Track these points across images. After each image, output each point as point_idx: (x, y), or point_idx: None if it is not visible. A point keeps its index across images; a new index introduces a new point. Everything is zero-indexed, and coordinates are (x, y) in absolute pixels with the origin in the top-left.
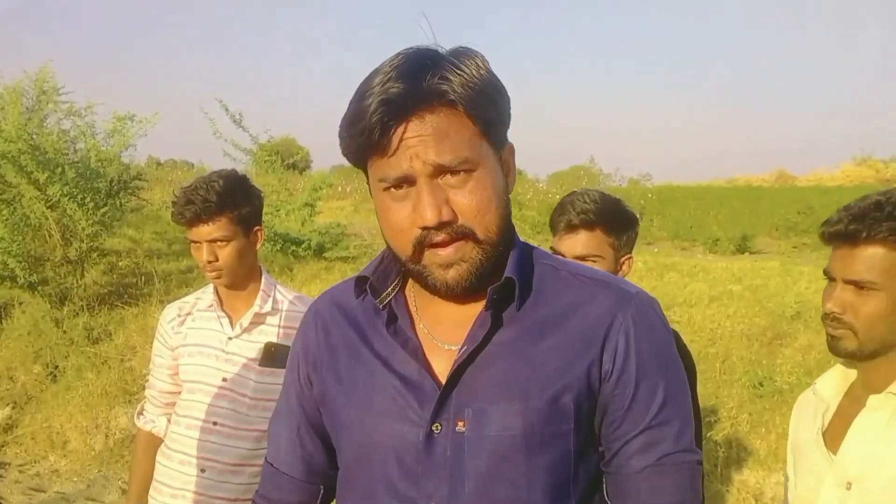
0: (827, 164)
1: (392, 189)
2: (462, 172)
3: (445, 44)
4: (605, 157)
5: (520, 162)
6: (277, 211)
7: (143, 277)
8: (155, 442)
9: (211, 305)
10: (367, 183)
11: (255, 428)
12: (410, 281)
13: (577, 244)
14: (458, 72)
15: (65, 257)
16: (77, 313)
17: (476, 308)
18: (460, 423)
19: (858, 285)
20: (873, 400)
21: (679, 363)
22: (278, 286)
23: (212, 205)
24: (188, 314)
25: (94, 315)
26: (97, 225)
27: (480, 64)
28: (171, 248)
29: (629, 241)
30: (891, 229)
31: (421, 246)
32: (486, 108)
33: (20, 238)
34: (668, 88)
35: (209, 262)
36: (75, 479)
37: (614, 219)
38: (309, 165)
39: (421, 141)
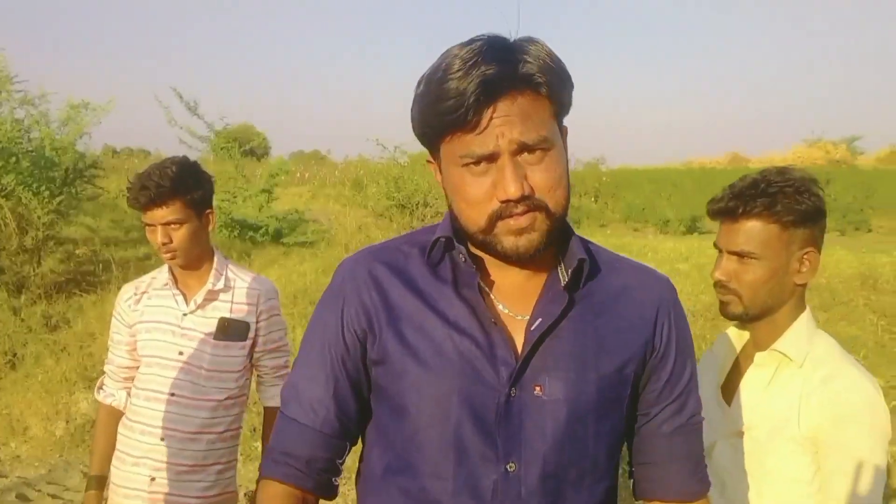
0: (779, 146)
1: (472, 165)
2: (539, 151)
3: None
4: None
5: None
6: (234, 197)
7: (100, 265)
8: (116, 414)
9: (166, 284)
10: (432, 159)
11: (212, 398)
12: (470, 251)
13: None
14: (539, 57)
15: (21, 246)
16: (34, 301)
17: (535, 280)
18: (537, 388)
19: (740, 256)
20: (759, 357)
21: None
22: (230, 265)
23: (165, 189)
24: (144, 293)
25: (52, 303)
26: (53, 213)
27: (551, 51)
28: (129, 236)
29: None
30: (764, 205)
31: (497, 217)
32: (562, 91)
33: None
34: (625, 70)
35: (164, 244)
36: (37, 464)
37: None
38: (267, 152)
39: (507, 120)
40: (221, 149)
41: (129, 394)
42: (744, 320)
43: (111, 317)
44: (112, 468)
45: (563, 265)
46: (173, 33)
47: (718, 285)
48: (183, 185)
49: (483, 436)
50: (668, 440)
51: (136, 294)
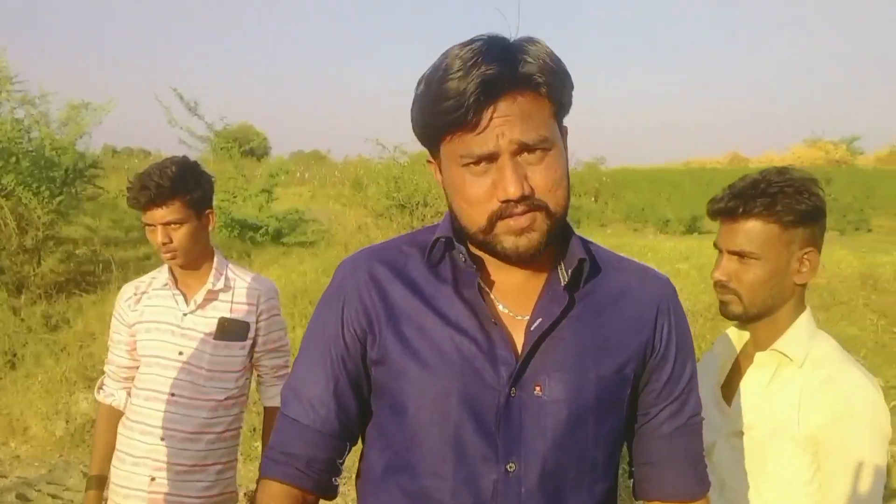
0: (778, 146)
1: (472, 165)
2: (539, 150)
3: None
4: None
5: None
6: (234, 197)
7: (100, 265)
8: (116, 414)
9: (166, 284)
10: (432, 160)
11: (212, 398)
12: (470, 252)
13: None
14: (539, 58)
15: (21, 246)
16: (35, 301)
17: (535, 280)
18: (537, 388)
19: (740, 255)
20: (759, 357)
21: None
22: (230, 265)
23: (165, 189)
24: (144, 293)
25: (52, 303)
26: (53, 213)
27: (551, 51)
28: (129, 236)
29: None
30: (764, 205)
31: (497, 217)
32: (562, 92)
33: None
34: (626, 70)
35: (164, 244)
36: (36, 464)
37: None
38: (267, 152)
39: (507, 121)
40: (221, 149)
41: (129, 394)
42: (743, 320)
43: (111, 317)
44: (112, 468)
45: (563, 265)
46: (173, 32)
47: (718, 285)
48: (183, 185)
49: (483, 436)
50: (667, 441)
51: (135, 294)
